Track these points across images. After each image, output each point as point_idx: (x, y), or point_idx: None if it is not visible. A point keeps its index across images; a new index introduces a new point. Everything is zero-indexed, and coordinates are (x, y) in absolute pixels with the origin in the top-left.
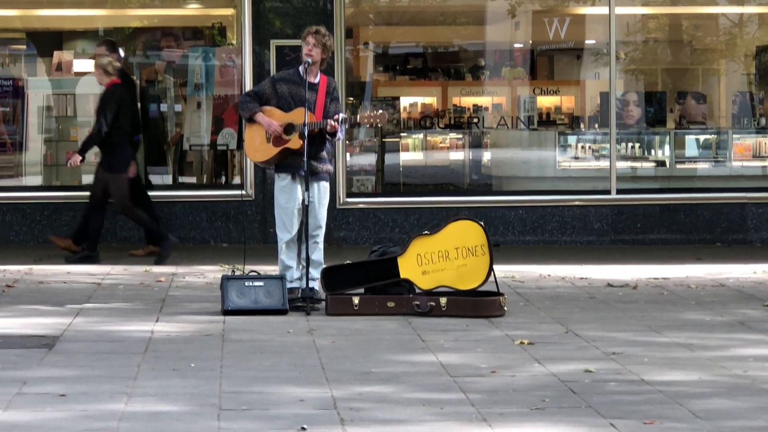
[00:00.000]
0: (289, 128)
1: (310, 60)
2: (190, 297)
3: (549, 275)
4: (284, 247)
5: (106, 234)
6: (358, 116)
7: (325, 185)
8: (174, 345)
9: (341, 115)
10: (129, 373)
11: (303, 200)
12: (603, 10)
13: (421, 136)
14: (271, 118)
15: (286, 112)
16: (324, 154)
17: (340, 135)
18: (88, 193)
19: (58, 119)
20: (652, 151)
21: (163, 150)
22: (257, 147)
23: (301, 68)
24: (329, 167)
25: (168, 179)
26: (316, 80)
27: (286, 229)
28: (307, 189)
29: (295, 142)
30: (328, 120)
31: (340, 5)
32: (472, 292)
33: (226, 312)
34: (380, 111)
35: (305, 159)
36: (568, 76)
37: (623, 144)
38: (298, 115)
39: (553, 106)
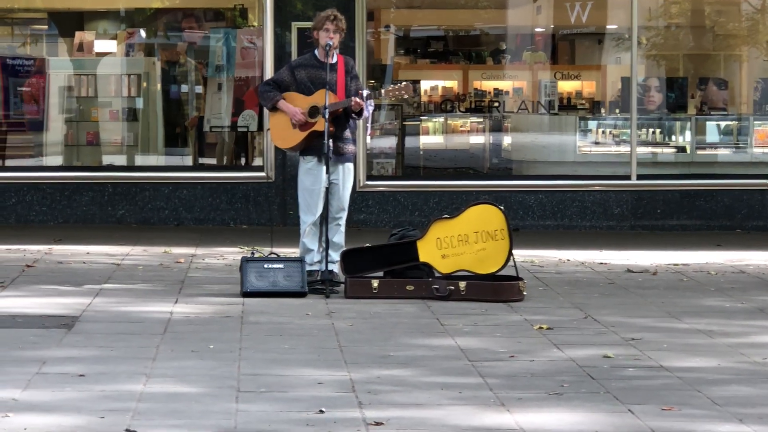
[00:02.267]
0: (313, 111)
1: (332, 43)
2: (210, 278)
3: (568, 260)
4: (307, 230)
5: (127, 215)
6: (383, 91)
7: (350, 166)
8: (193, 326)
9: (365, 92)
10: (148, 354)
11: (328, 182)
12: None
13: (441, 119)
14: (294, 103)
15: (308, 96)
16: (348, 134)
17: (367, 112)
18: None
19: (79, 99)
20: (673, 137)
21: (184, 131)
22: (284, 134)
23: (317, 51)
24: (353, 148)
25: (188, 161)
26: (334, 60)
27: (310, 212)
28: (328, 171)
29: (321, 124)
30: (353, 97)
31: None
32: (492, 276)
33: (246, 294)
34: (405, 83)
35: (327, 140)
36: (590, 61)
37: (644, 129)
38: (321, 97)
39: (574, 90)
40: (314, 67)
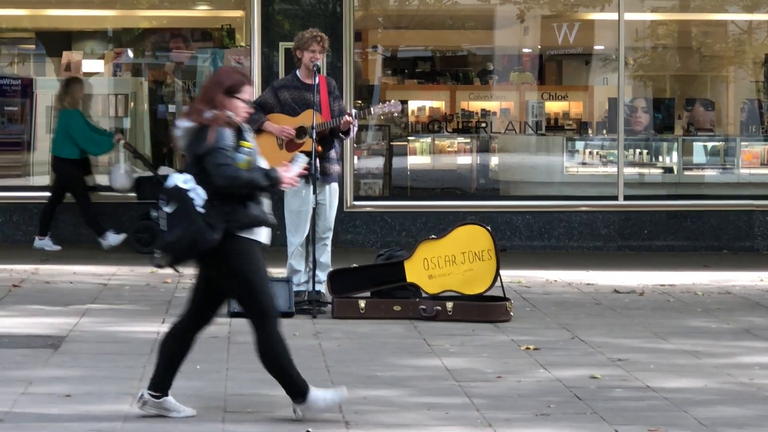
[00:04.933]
0: (300, 132)
1: (319, 64)
2: None
3: (555, 281)
4: (294, 251)
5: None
6: (372, 109)
7: (336, 187)
8: None
9: (354, 111)
10: (134, 374)
11: (315, 203)
12: (612, 15)
13: (428, 140)
14: (279, 125)
15: (294, 117)
16: (333, 154)
17: (353, 132)
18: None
19: None
20: (660, 158)
21: (171, 151)
22: (270, 156)
23: (299, 72)
24: (339, 168)
25: None
26: (316, 81)
27: (297, 233)
28: (315, 192)
29: (308, 145)
30: (344, 117)
31: (349, 8)
32: (479, 296)
33: (233, 314)
34: (393, 100)
35: (316, 161)
36: (577, 82)
37: (631, 150)
38: (307, 118)
39: (561, 111)
40: (297, 88)
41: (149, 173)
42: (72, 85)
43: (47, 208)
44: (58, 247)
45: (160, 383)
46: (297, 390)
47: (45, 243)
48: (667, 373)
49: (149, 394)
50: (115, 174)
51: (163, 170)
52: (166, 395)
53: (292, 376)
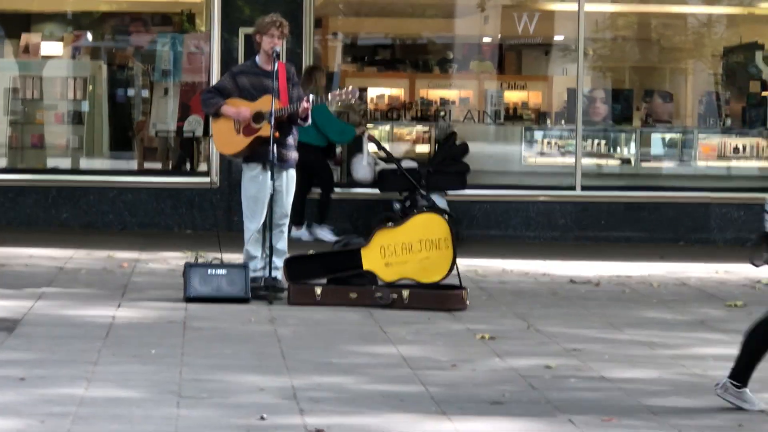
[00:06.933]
0: (257, 117)
1: (278, 50)
2: (153, 283)
3: (512, 270)
4: (251, 237)
5: (71, 219)
6: (329, 95)
7: (293, 173)
8: (135, 331)
9: (312, 96)
10: (89, 358)
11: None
12: (572, 6)
13: (387, 127)
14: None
15: (252, 102)
16: (291, 141)
17: (310, 119)
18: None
19: (24, 102)
20: (618, 149)
21: (129, 136)
22: (228, 140)
23: (258, 58)
24: (296, 155)
25: (133, 165)
26: (275, 68)
27: (255, 219)
28: (272, 178)
29: (266, 130)
30: (301, 103)
31: None
32: (435, 285)
33: (189, 299)
34: (351, 87)
35: (273, 147)
36: (536, 72)
37: (589, 141)
38: (265, 103)
39: (520, 101)
40: (256, 74)
41: (392, 166)
42: (315, 73)
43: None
44: (332, 237)
45: (740, 374)
46: (743, 377)
47: (302, 233)
48: (622, 363)
49: (730, 382)
50: (357, 165)
51: (406, 163)
52: (746, 386)
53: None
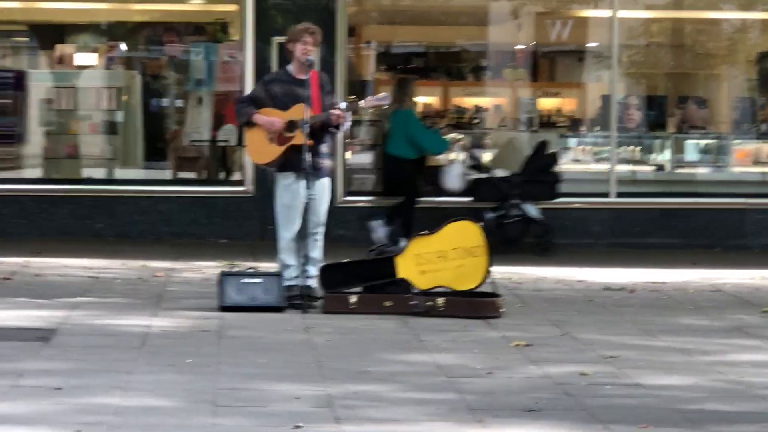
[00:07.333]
0: (290, 125)
1: (312, 58)
2: (188, 293)
3: (546, 277)
4: (285, 246)
5: (105, 228)
6: (363, 102)
7: (328, 181)
8: (170, 340)
9: (344, 104)
10: (124, 367)
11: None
12: (606, 13)
13: None
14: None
15: (284, 111)
16: (325, 149)
17: (347, 124)
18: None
19: (59, 112)
20: (652, 155)
21: (163, 145)
22: (261, 150)
23: (290, 67)
24: (331, 163)
25: (167, 174)
26: (308, 76)
27: (289, 228)
28: (308, 186)
29: (299, 138)
30: (333, 110)
31: (342, 3)
32: (470, 292)
33: (223, 308)
34: (383, 93)
35: (306, 155)
36: (570, 79)
37: (623, 147)
38: (298, 112)
39: (554, 108)
40: (288, 82)
41: (485, 175)
42: (406, 84)
43: (397, 212)
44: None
45: None
46: None
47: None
48: (658, 370)
49: None
50: (448, 175)
51: (497, 173)
52: None
53: None
